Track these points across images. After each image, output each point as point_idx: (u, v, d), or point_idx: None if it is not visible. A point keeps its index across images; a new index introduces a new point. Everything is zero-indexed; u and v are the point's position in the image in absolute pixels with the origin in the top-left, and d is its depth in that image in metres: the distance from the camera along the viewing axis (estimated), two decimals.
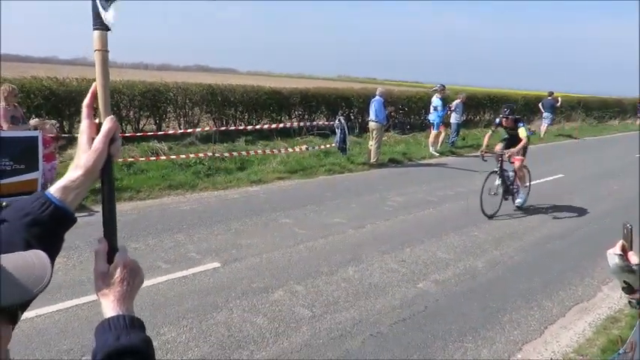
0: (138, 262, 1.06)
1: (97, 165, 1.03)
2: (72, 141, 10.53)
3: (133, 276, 1.03)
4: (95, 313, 4.46)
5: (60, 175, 8.41)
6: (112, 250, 1.04)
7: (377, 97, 12.86)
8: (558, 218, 8.69)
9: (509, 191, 8.82)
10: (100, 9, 1.05)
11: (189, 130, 12.56)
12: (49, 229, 0.98)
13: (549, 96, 21.14)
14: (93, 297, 4.66)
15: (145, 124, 13.63)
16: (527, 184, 9.23)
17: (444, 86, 15.59)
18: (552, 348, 4.54)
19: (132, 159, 10.15)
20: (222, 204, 8.41)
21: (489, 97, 23.86)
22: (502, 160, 8.54)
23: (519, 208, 9.03)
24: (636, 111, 32.14)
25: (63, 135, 9.48)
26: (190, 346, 4.15)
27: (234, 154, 11.67)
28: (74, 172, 1.02)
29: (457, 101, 16.25)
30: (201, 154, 11.09)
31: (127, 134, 10.90)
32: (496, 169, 8.53)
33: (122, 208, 7.52)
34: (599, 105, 31.85)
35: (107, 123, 1.05)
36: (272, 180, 10.32)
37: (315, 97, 16.76)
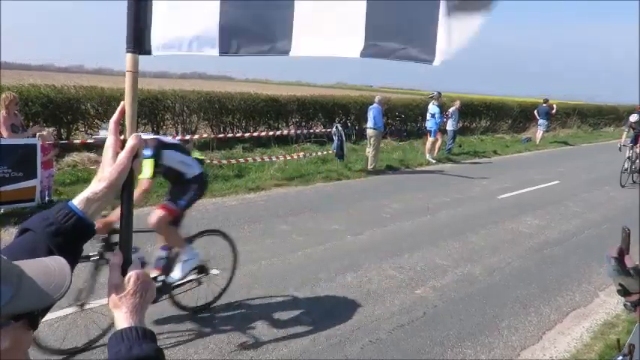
0: (150, 275, 1.09)
1: (121, 179, 1.07)
2: (70, 148, 10.55)
3: (146, 289, 1.06)
4: (93, 321, 4.46)
5: (57, 182, 8.43)
6: (126, 263, 1.07)
7: (375, 105, 12.95)
8: (555, 225, 8.74)
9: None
10: (148, 32, 1.12)
11: (186, 138, 12.57)
12: (70, 239, 1.02)
13: (545, 103, 21.27)
14: (92, 305, 4.66)
15: (142, 132, 13.64)
16: None
17: (440, 93, 15.69)
18: (550, 353, 4.56)
19: None
20: (220, 211, 8.42)
21: (485, 105, 23.98)
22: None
23: None
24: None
25: (61, 142, 9.46)
26: (189, 353, 4.15)
27: (232, 161, 11.70)
28: (98, 184, 1.06)
29: (453, 108, 16.34)
30: None
31: None
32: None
33: (119, 213, 7.51)
34: (594, 112, 32.03)
35: (132, 140, 1.10)
36: (270, 187, 10.34)
37: (313, 105, 16.82)
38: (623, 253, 1.90)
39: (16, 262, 0.83)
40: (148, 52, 1.15)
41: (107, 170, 1.07)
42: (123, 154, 1.08)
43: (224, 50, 1.14)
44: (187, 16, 1.14)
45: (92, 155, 10.83)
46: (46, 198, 7.82)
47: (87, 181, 9.14)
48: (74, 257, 1.04)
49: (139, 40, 1.12)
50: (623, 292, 1.86)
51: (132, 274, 1.06)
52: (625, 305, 1.86)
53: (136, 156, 1.10)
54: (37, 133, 7.89)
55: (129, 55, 1.11)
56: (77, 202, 1.05)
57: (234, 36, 1.13)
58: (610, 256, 1.90)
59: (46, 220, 1.01)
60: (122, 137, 1.12)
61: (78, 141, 10.70)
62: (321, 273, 5.93)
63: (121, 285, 1.05)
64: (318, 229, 7.65)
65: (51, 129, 9.54)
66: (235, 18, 1.12)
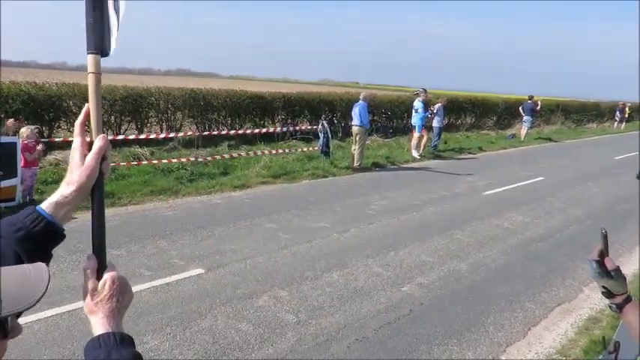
0: (126, 278, 1.05)
1: (90, 182, 1.04)
2: (52, 147, 10.39)
3: (122, 293, 1.03)
4: (74, 323, 4.40)
5: (39, 180, 8.29)
6: (101, 267, 1.04)
7: (360, 102, 12.92)
8: (539, 221, 8.80)
9: None
10: (109, 33, 1.10)
11: (171, 135, 12.46)
12: (39, 244, 0.99)
13: (529, 100, 21.43)
14: (72, 306, 4.61)
15: (126, 129, 13.49)
16: None
17: (425, 90, 15.73)
18: (536, 349, 4.59)
19: (113, 164, 10.01)
20: (205, 209, 8.35)
21: (471, 101, 24.11)
22: None
23: None
24: (613, 114, 32.81)
25: (42, 140, 9.30)
26: (174, 354, 4.10)
27: (217, 158, 11.61)
28: (67, 188, 1.03)
29: (438, 105, 16.38)
30: (183, 159, 11.01)
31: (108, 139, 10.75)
32: None
33: None
34: (577, 108, 32.38)
35: (99, 141, 1.07)
36: (255, 185, 10.28)
37: (298, 102, 16.76)
38: (603, 255, 1.89)
39: None
40: (107, 54, 1.13)
41: (76, 173, 1.04)
42: (91, 156, 1.05)
43: None
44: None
45: None
46: (28, 197, 7.69)
47: None
48: (44, 262, 1.01)
49: (100, 41, 1.10)
50: (607, 294, 1.86)
51: (107, 278, 1.02)
52: (610, 307, 1.86)
53: (104, 158, 1.07)
54: (21, 130, 7.76)
55: (90, 57, 1.09)
56: (46, 206, 1.02)
57: None
58: (591, 259, 1.90)
59: (13, 226, 0.98)
60: (88, 139, 1.09)
61: (60, 139, 10.52)
62: (307, 271, 5.90)
63: (96, 289, 1.01)
64: (304, 226, 7.62)
65: (33, 127, 9.40)
66: None
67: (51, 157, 10.32)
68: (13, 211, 7.11)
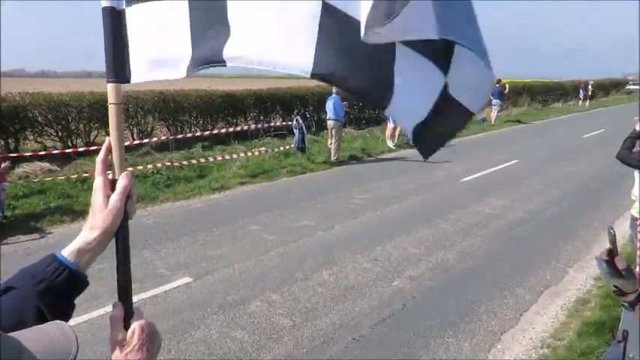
0: (155, 324, 0.98)
1: (115, 225, 0.98)
2: (19, 160, 10.03)
3: (152, 341, 0.96)
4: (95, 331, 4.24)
5: (9, 195, 7.99)
6: (127, 315, 0.96)
7: (334, 95, 12.84)
8: (519, 204, 8.93)
9: None
10: (129, 58, 1.06)
11: (144, 141, 12.18)
12: (62, 295, 0.93)
13: (497, 83, 21.73)
14: (86, 317, 4.43)
15: (96, 136, 13.13)
16: None
17: None
18: (530, 335, 4.64)
19: (86, 174, 9.74)
20: (186, 215, 8.20)
21: None
22: None
23: None
24: (577, 93, 33.59)
25: (10, 155, 8.97)
26: None
27: (193, 161, 11.41)
28: (90, 233, 0.97)
29: None
30: (158, 164, 10.79)
31: (79, 149, 10.46)
32: None
33: (79, 226, 7.21)
34: (542, 89, 33.03)
35: (123, 180, 1.01)
36: (234, 185, 10.15)
37: (270, 98, 16.61)
38: (612, 254, 1.89)
39: (13, 335, 0.73)
40: (128, 81, 1.07)
41: (99, 217, 0.97)
42: (115, 197, 0.98)
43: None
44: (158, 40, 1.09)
45: (44, 165, 10.36)
46: (0, 214, 7.41)
47: (42, 192, 8.78)
48: (68, 314, 0.95)
49: (121, 68, 1.03)
50: (619, 292, 1.86)
51: (135, 327, 0.96)
52: (623, 305, 1.86)
53: (128, 197, 1.00)
54: None
55: (111, 86, 1.02)
56: (67, 253, 0.95)
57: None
58: (601, 258, 1.90)
59: (33, 277, 0.91)
60: (110, 177, 1.01)
61: (29, 154, 10.17)
62: (296, 272, 5.85)
63: (125, 340, 0.95)
64: (289, 226, 7.55)
65: None
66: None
67: (20, 169, 9.96)
68: None
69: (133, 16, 1.06)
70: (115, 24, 1.03)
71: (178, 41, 1.06)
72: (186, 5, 1.05)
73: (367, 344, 4.41)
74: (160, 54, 1.08)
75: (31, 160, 10.27)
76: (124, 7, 1.05)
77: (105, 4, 1.02)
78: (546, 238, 7.14)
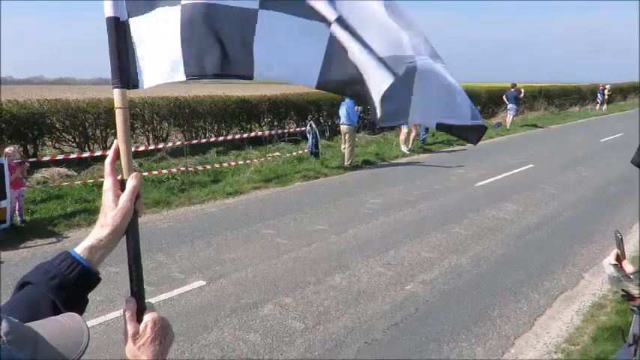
0: (167, 319, 1.02)
1: (125, 223, 1.03)
2: (38, 165, 10.22)
3: (164, 334, 1.01)
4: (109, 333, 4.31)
5: (28, 200, 8.14)
6: (140, 309, 1.02)
7: (347, 100, 12.86)
8: (534, 209, 8.85)
9: None
10: (135, 63, 1.11)
11: (159, 146, 12.32)
12: (76, 290, 0.97)
13: (512, 88, 21.59)
14: (102, 319, 4.50)
15: (112, 142, 13.30)
16: None
17: None
18: (544, 340, 4.60)
19: (102, 178, 9.83)
20: (200, 219, 8.27)
21: None
22: None
23: None
24: (594, 97, 33.19)
25: (29, 160, 9.14)
26: None
27: (207, 166, 11.51)
28: (101, 231, 1.02)
29: None
30: (173, 169, 10.91)
31: (96, 154, 10.61)
32: None
33: None
34: (559, 93, 32.67)
35: (132, 180, 1.06)
36: (248, 190, 10.21)
37: (284, 104, 16.69)
38: (620, 259, 1.89)
39: (28, 325, 0.78)
40: (135, 86, 1.11)
41: (110, 215, 1.02)
42: (125, 197, 1.04)
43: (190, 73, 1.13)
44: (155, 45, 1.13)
45: (62, 170, 10.53)
46: (19, 218, 7.55)
47: (59, 197, 8.93)
48: (81, 308, 0.99)
49: (125, 74, 1.08)
50: (628, 297, 1.85)
51: (148, 320, 1.00)
52: (632, 310, 1.85)
53: (137, 196, 1.05)
54: (5, 150, 7.60)
55: (117, 91, 1.08)
56: (80, 250, 1.00)
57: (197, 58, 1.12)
58: (609, 263, 1.89)
59: (47, 273, 0.95)
60: (119, 178, 1.06)
61: (47, 158, 10.35)
62: (309, 276, 5.87)
63: (138, 333, 0.99)
64: (302, 230, 7.58)
65: (16, 146, 9.24)
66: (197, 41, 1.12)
67: (38, 175, 10.15)
68: (5, 233, 6.99)
69: (137, 25, 1.10)
70: (118, 33, 1.07)
71: (174, 47, 1.11)
72: (178, 11, 1.09)
73: (379, 348, 4.41)
74: (166, 59, 1.12)
75: (49, 166, 10.45)
76: (127, 17, 1.09)
77: (108, 14, 1.06)
78: (561, 243, 7.06)
